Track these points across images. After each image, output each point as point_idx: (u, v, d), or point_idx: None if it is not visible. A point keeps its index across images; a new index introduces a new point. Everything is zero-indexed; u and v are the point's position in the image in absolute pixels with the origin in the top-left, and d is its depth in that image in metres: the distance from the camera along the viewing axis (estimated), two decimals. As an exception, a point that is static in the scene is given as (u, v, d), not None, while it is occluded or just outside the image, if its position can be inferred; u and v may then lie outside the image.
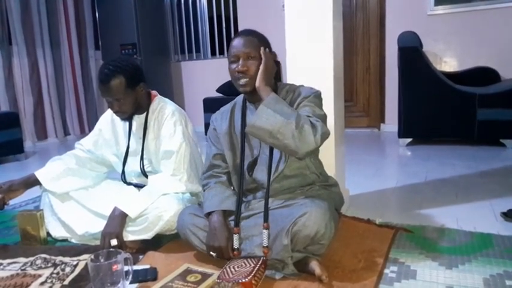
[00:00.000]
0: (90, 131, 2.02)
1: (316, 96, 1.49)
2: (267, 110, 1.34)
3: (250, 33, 1.49)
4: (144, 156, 1.87)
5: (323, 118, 1.42)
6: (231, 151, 1.59)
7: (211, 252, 1.44)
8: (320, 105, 1.48)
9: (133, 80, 1.72)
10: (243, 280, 1.22)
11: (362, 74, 4.67)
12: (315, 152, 1.48)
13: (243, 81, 1.45)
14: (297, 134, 1.30)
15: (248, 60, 1.44)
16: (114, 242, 1.58)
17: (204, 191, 1.64)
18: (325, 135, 1.35)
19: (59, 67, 5.05)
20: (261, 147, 1.54)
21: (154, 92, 1.91)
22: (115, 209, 1.64)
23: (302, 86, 1.57)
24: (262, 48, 1.45)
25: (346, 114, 2.23)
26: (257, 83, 1.42)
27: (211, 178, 1.62)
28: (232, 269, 1.30)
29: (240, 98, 1.64)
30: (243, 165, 1.54)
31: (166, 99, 1.91)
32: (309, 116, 1.37)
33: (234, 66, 1.46)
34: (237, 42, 1.46)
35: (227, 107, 1.67)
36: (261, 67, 1.43)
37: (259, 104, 1.45)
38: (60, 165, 1.90)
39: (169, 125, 1.79)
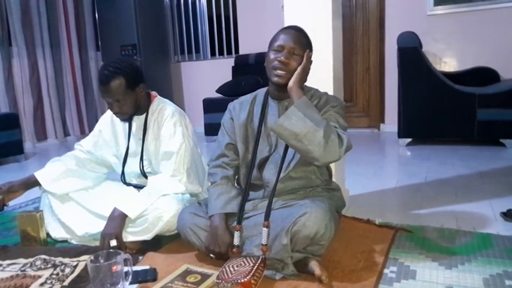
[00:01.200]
0: (90, 132, 2.02)
1: (342, 108, 1.51)
2: (298, 112, 1.33)
3: (301, 31, 1.49)
4: (144, 157, 1.87)
5: (346, 130, 1.43)
6: (244, 144, 1.59)
7: (210, 254, 1.44)
8: (344, 117, 1.49)
9: (133, 81, 1.72)
10: (242, 280, 1.22)
11: (362, 74, 4.67)
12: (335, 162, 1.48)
13: (280, 72, 1.43)
14: (324, 142, 1.30)
15: (292, 55, 1.43)
16: (113, 242, 1.58)
17: (209, 182, 1.63)
18: (348, 148, 1.36)
19: (59, 68, 5.05)
20: (276, 147, 1.53)
21: (154, 93, 1.91)
22: (115, 209, 1.64)
23: (327, 93, 1.58)
24: (308, 50, 1.45)
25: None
26: (291, 83, 1.41)
27: (219, 168, 1.60)
28: (231, 269, 1.30)
29: (261, 92, 1.62)
30: (255, 160, 1.53)
31: (166, 100, 1.91)
32: (335, 127, 1.38)
33: (276, 55, 1.44)
34: (286, 35, 1.45)
35: (247, 98, 1.65)
36: (299, 68, 1.42)
37: (283, 102, 1.46)
38: (60, 166, 1.90)
39: (169, 125, 1.79)
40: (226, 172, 1.60)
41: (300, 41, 1.45)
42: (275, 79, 1.45)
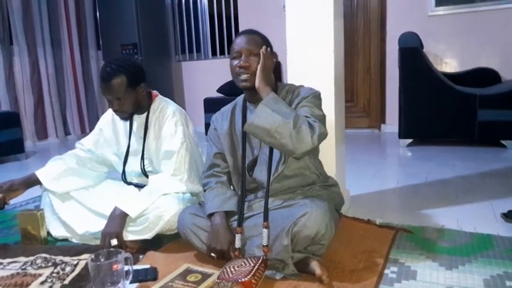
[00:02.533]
0: (91, 130, 2.02)
1: (315, 97, 1.50)
2: (266, 109, 1.36)
3: (253, 32, 1.52)
4: (145, 156, 1.87)
5: (321, 118, 1.43)
6: (231, 151, 1.60)
7: (212, 254, 1.44)
8: (319, 106, 1.49)
9: (134, 80, 1.72)
10: (243, 279, 1.22)
11: (363, 75, 4.67)
12: (312, 152, 1.48)
13: (244, 76, 1.46)
14: (295, 133, 1.31)
15: (250, 57, 1.45)
16: (114, 241, 1.58)
17: (204, 190, 1.64)
18: (322, 136, 1.36)
19: (59, 67, 5.05)
20: (261, 147, 1.54)
21: (155, 92, 1.91)
22: (115, 208, 1.64)
23: (302, 86, 1.58)
24: (264, 47, 1.46)
25: (346, 114, 2.23)
26: (257, 83, 1.43)
27: (212, 177, 1.62)
28: (232, 269, 1.30)
29: (240, 99, 1.64)
30: (245, 165, 1.54)
31: (168, 99, 1.91)
32: (307, 117, 1.38)
33: (236, 62, 1.47)
34: (240, 40, 1.48)
35: (228, 107, 1.67)
36: (259, 66, 1.44)
37: (259, 104, 1.45)
38: (61, 165, 1.90)
39: (170, 125, 1.79)
40: (220, 179, 1.61)
41: (254, 41, 1.47)
42: (242, 84, 1.48)
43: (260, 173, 1.52)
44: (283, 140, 1.33)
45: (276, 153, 1.49)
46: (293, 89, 1.56)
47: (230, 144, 1.60)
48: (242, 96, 1.63)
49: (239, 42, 1.48)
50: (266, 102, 1.38)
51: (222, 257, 1.42)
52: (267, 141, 1.39)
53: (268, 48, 1.49)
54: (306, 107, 1.44)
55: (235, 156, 1.59)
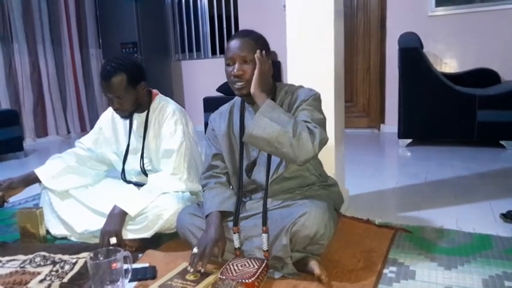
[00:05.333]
0: (91, 129, 2.02)
1: (315, 99, 1.44)
2: (264, 118, 1.31)
3: (246, 35, 1.43)
4: (144, 155, 1.87)
5: (322, 122, 1.38)
6: (229, 152, 1.58)
7: (194, 250, 1.36)
8: (319, 108, 1.44)
9: (134, 79, 1.72)
10: (247, 281, 1.23)
11: (362, 75, 4.67)
12: (314, 159, 1.46)
13: (238, 84, 1.41)
14: (295, 142, 1.28)
15: (244, 64, 1.39)
16: (113, 240, 1.58)
17: (203, 191, 1.63)
18: (323, 142, 1.32)
19: (59, 65, 5.05)
20: (260, 150, 1.53)
21: (155, 91, 1.91)
22: (114, 207, 1.64)
23: (301, 87, 1.53)
24: (258, 52, 1.40)
25: (346, 114, 2.23)
26: (252, 90, 1.39)
27: (211, 178, 1.60)
28: (236, 267, 1.31)
29: (238, 99, 1.61)
30: (242, 166, 1.53)
31: (168, 98, 1.91)
32: (307, 122, 1.34)
33: (230, 69, 1.42)
34: (233, 45, 1.41)
35: (225, 107, 1.64)
36: (256, 72, 1.38)
37: (258, 106, 1.44)
38: (60, 163, 1.90)
39: (170, 123, 1.79)
40: (219, 179, 1.59)
41: (248, 46, 1.39)
42: (237, 92, 1.45)
43: (259, 175, 1.51)
44: (283, 149, 1.29)
45: None
46: (292, 89, 1.51)
47: (228, 145, 1.58)
48: None
49: (232, 48, 1.40)
50: (263, 110, 1.33)
51: (201, 253, 1.33)
52: (267, 151, 1.36)
53: (264, 52, 1.41)
54: (305, 111, 1.39)
55: (233, 158, 1.57)
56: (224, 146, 1.58)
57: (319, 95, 1.48)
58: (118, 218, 1.62)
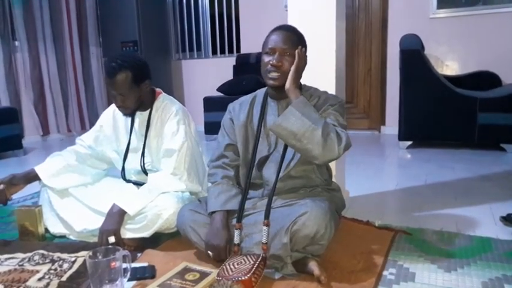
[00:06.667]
0: (90, 127, 2.01)
1: (341, 106, 1.50)
2: (295, 112, 1.34)
3: (291, 30, 1.48)
4: (145, 154, 1.86)
5: (345, 128, 1.43)
6: (244, 144, 1.59)
7: (209, 252, 1.43)
8: (343, 115, 1.49)
9: (139, 77, 1.71)
10: (243, 278, 1.22)
11: (363, 76, 4.66)
12: (335, 160, 1.47)
13: (274, 74, 1.43)
14: (322, 141, 1.30)
15: (284, 56, 1.42)
16: (111, 239, 1.58)
17: (210, 182, 1.62)
18: (347, 146, 1.36)
19: (60, 63, 5.04)
20: (276, 146, 1.53)
21: (158, 90, 1.90)
22: (114, 206, 1.64)
23: (326, 92, 1.57)
24: (299, 48, 1.43)
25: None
26: (287, 84, 1.41)
27: (219, 169, 1.61)
28: (232, 266, 1.30)
29: (261, 92, 1.62)
30: (254, 159, 1.53)
31: (171, 98, 1.91)
32: (334, 125, 1.38)
33: (268, 58, 1.44)
34: (276, 36, 1.44)
35: (247, 98, 1.65)
36: (293, 67, 1.41)
37: (282, 102, 1.47)
38: (60, 161, 1.90)
39: (172, 123, 1.78)
40: (227, 172, 1.59)
41: (291, 40, 1.44)
42: (270, 82, 1.46)
43: (268, 170, 1.52)
44: (309, 145, 1.32)
45: (289, 154, 1.49)
46: (318, 94, 1.55)
47: (244, 136, 1.59)
48: (263, 89, 1.61)
49: (275, 39, 1.43)
50: (295, 105, 1.36)
51: (218, 256, 1.41)
52: (290, 144, 1.37)
53: (303, 49, 1.46)
54: (332, 115, 1.45)
55: (247, 149, 1.58)
56: (240, 136, 1.59)
57: (344, 102, 1.54)
58: (117, 216, 1.62)
